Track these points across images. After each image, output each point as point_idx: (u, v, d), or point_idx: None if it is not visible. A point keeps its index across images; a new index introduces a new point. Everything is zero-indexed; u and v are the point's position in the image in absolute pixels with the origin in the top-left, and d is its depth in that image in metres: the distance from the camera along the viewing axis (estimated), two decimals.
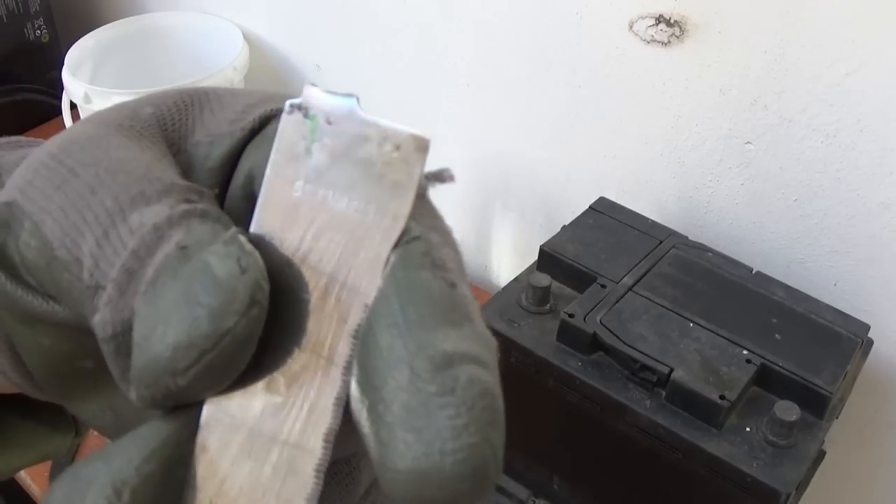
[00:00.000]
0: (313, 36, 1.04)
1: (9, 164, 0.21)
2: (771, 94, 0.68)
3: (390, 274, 0.16)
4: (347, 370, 0.16)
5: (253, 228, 0.18)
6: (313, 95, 0.18)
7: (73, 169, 0.18)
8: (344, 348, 0.16)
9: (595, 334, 0.61)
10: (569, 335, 0.62)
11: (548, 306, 0.66)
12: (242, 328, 0.15)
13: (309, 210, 0.17)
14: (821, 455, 0.60)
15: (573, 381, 0.61)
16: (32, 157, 0.19)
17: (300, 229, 0.17)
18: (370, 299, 0.16)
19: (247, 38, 1.08)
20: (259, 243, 0.17)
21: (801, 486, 0.58)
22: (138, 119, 0.20)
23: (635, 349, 0.60)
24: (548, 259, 0.69)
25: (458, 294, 0.16)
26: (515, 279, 0.69)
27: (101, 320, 0.16)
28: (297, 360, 0.17)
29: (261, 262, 0.16)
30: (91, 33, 1.09)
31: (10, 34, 1.16)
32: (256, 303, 0.15)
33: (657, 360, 0.59)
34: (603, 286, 0.65)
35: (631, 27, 0.73)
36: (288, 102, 0.18)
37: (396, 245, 0.17)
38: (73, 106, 1.03)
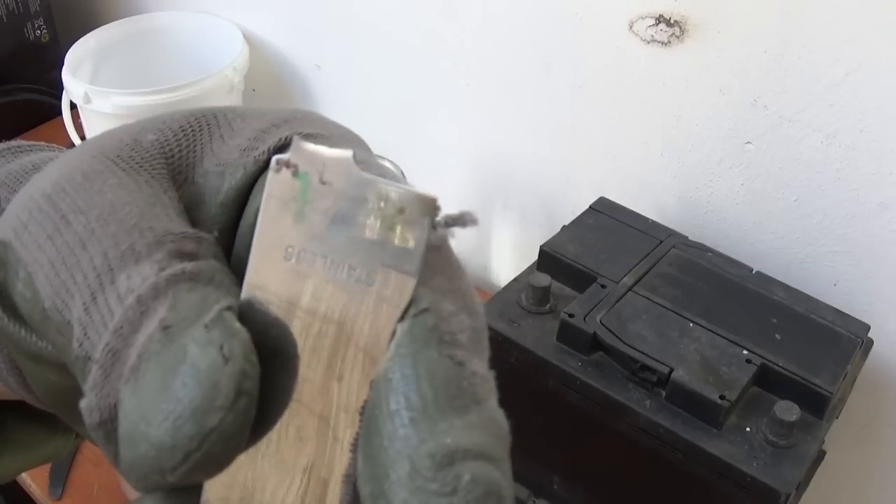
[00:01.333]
0: (313, 36, 1.04)
1: (9, 176, 0.20)
2: (771, 94, 0.68)
3: (395, 352, 0.15)
4: (355, 447, 0.16)
5: (244, 294, 0.16)
6: (304, 151, 0.16)
7: (66, 216, 0.17)
8: (350, 426, 0.16)
9: (595, 334, 0.61)
10: (569, 335, 0.62)
11: (548, 306, 0.66)
12: (229, 424, 0.14)
13: (304, 278, 0.16)
14: (821, 455, 0.60)
15: (573, 381, 0.61)
16: (28, 193, 0.18)
17: (295, 297, 0.16)
18: (375, 375, 0.15)
19: (247, 38, 1.08)
20: (250, 312, 0.16)
21: (801, 486, 0.58)
22: (139, 148, 0.19)
23: (635, 349, 0.60)
24: (548, 259, 0.69)
25: (466, 373, 0.15)
26: (515, 279, 0.69)
27: (87, 406, 0.15)
28: (293, 429, 0.16)
29: (248, 342, 0.14)
30: (91, 33, 1.09)
31: (10, 34, 1.16)
32: (243, 394, 0.14)
33: (657, 360, 0.59)
34: (603, 286, 0.65)
35: (631, 27, 0.73)
36: (274, 159, 0.16)
37: (403, 316, 0.16)
38: (73, 106, 1.03)
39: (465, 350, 0.15)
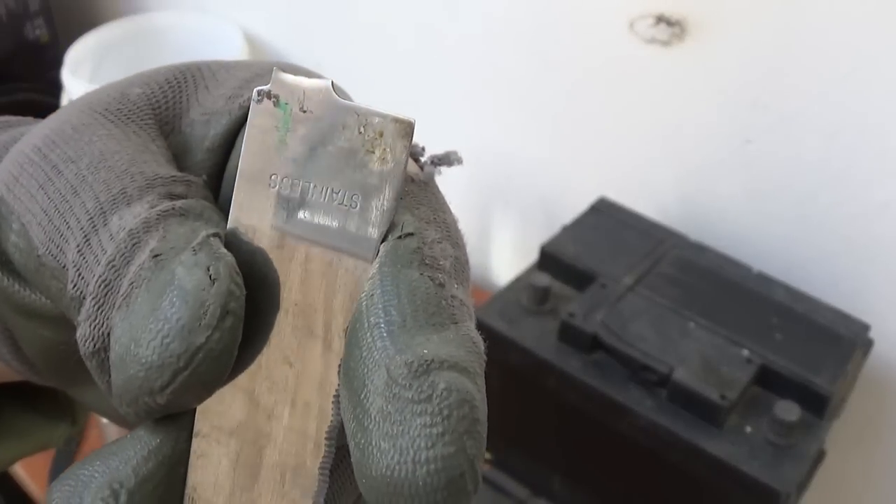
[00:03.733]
0: (313, 36, 1.04)
1: None
2: (771, 94, 0.68)
3: (378, 271, 0.15)
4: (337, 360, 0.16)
5: (230, 224, 0.17)
6: (283, 82, 0.17)
7: (57, 165, 0.17)
8: (338, 347, 0.16)
9: (595, 334, 0.61)
10: (569, 335, 0.62)
11: (548, 306, 0.66)
12: (216, 342, 0.14)
13: (287, 204, 0.17)
14: (821, 455, 0.61)
15: (573, 381, 0.61)
16: (18, 149, 0.18)
17: (280, 223, 0.17)
18: (359, 294, 0.16)
19: (247, 37, 1.08)
20: (235, 241, 0.16)
21: (801, 486, 0.58)
22: (127, 101, 0.19)
23: (636, 349, 0.60)
24: (548, 259, 0.69)
25: (445, 295, 0.15)
26: (515, 279, 0.69)
27: (81, 336, 0.16)
28: (282, 354, 0.16)
29: (233, 265, 0.15)
30: (91, 33, 1.08)
31: (10, 34, 1.16)
32: (229, 313, 0.14)
33: (657, 360, 0.59)
34: (603, 286, 0.65)
35: (631, 27, 0.73)
36: (255, 90, 0.17)
37: (386, 238, 0.16)
38: None
39: (446, 274, 0.16)
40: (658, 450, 0.59)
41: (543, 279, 0.66)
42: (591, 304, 0.63)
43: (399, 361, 0.14)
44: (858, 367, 0.64)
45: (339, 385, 0.16)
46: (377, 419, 0.13)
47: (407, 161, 0.17)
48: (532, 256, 0.70)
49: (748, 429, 0.57)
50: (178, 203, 0.16)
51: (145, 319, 0.14)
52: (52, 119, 0.19)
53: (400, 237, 0.16)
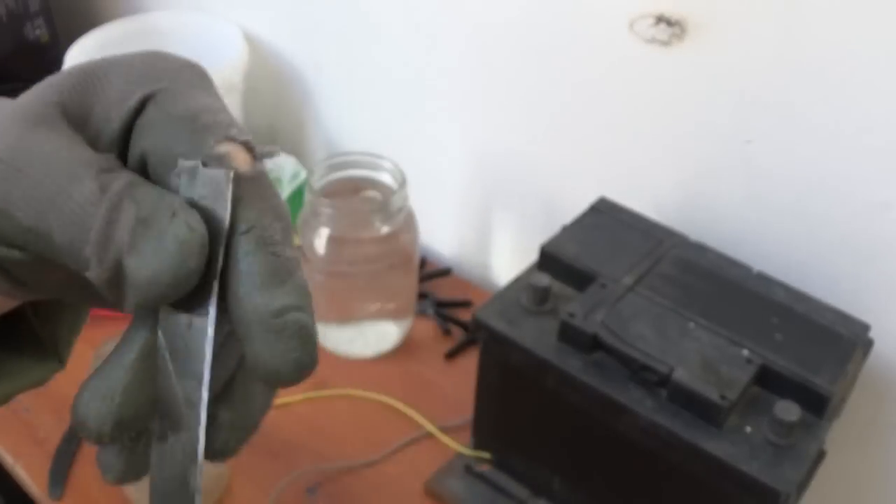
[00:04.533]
0: (313, 36, 1.04)
1: None
2: (771, 95, 0.68)
3: (239, 258, 0.23)
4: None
5: None
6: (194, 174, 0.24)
7: (20, 168, 0.23)
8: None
9: (595, 334, 0.61)
10: (569, 335, 0.62)
11: (548, 306, 0.66)
12: (197, 265, 0.22)
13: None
14: (821, 455, 0.61)
15: (573, 381, 0.61)
16: None
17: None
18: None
19: (247, 38, 1.08)
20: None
21: (801, 486, 0.58)
22: (47, 107, 0.25)
23: (635, 349, 0.60)
24: (548, 259, 0.69)
25: (283, 259, 0.23)
26: (515, 279, 0.69)
27: (96, 276, 0.23)
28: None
29: (200, 219, 0.23)
30: (91, 33, 1.08)
31: (10, 34, 1.16)
32: (204, 247, 0.23)
33: (657, 360, 0.59)
34: (603, 286, 0.65)
35: (631, 27, 0.73)
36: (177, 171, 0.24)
37: (234, 230, 0.23)
38: None
39: (280, 245, 0.23)
40: (658, 450, 0.59)
41: (543, 279, 0.66)
42: (591, 304, 0.63)
43: (267, 312, 0.23)
44: (858, 367, 0.64)
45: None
46: (260, 340, 0.23)
47: (231, 199, 0.23)
48: (532, 256, 0.70)
49: (748, 429, 0.57)
50: (128, 175, 0.23)
51: (155, 257, 0.22)
52: None
53: (245, 232, 0.23)
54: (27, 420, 0.81)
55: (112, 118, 0.24)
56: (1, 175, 0.23)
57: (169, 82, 0.25)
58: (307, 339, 0.24)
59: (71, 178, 0.23)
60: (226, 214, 0.23)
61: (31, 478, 0.76)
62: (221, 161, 0.24)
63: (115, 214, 0.22)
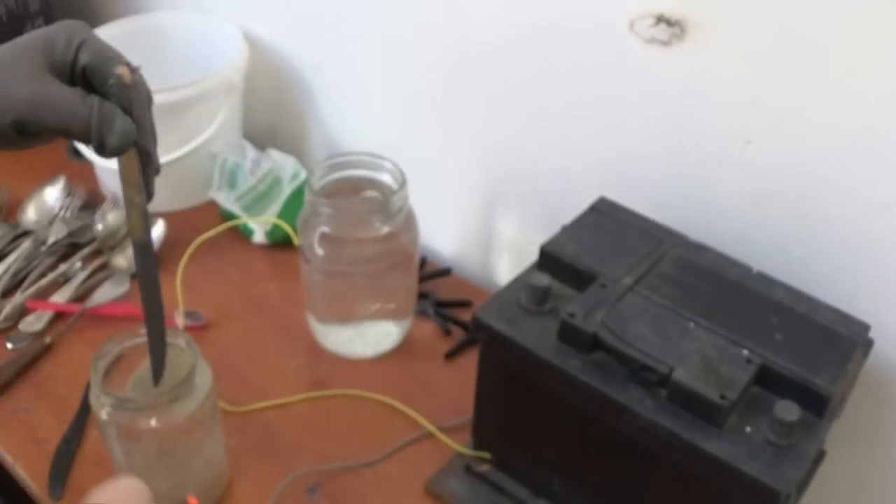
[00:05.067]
0: (313, 36, 1.04)
1: None
2: (771, 94, 0.68)
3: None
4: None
5: None
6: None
7: (40, 102, 0.51)
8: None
9: (595, 334, 0.61)
10: (569, 335, 0.62)
11: (548, 306, 0.66)
12: (132, 133, 0.52)
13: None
14: (821, 455, 0.60)
15: (573, 381, 0.61)
16: None
17: None
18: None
19: (247, 38, 1.08)
20: None
21: (801, 486, 0.58)
22: (40, 67, 0.52)
23: (635, 349, 0.60)
24: (548, 259, 0.69)
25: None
26: (515, 279, 0.69)
27: (94, 142, 0.51)
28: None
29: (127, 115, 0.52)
30: None
31: (10, 34, 1.15)
32: (132, 125, 0.52)
33: (657, 360, 0.59)
34: (603, 286, 0.65)
35: (631, 27, 0.73)
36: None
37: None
38: None
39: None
40: (658, 450, 0.59)
41: (543, 279, 0.66)
42: (591, 304, 0.63)
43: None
44: (858, 367, 0.64)
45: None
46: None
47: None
48: (532, 256, 0.70)
49: (748, 429, 0.57)
50: (97, 98, 0.52)
51: (119, 135, 0.51)
52: None
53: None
54: (27, 420, 0.81)
55: (68, 54, 0.52)
56: (28, 107, 0.50)
57: (85, 35, 0.53)
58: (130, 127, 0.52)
59: (68, 94, 0.50)
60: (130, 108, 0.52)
61: (31, 478, 0.76)
62: (121, 76, 0.51)
63: (98, 115, 0.50)
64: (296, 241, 0.85)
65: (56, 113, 0.49)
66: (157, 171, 0.55)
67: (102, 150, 0.51)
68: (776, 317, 0.64)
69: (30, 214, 1.03)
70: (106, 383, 0.65)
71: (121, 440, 0.66)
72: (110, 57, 0.52)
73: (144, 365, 0.67)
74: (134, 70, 0.52)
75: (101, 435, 0.71)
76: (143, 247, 0.56)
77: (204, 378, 0.67)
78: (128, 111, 0.51)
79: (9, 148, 0.52)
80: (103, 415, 0.65)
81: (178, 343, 0.66)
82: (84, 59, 0.51)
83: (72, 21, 0.53)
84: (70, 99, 0.50)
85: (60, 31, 0.52)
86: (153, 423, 0.65)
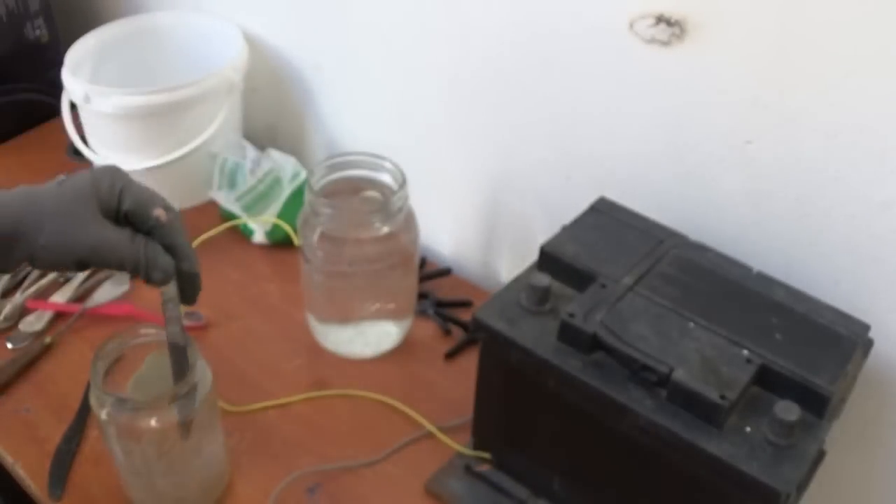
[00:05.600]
0: (313, 36, 1.04)
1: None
2: (771, 94, 0.68)
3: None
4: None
5: None
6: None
7: (96, 248, 0.59)
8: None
9: (595, 334, 0.61)
10: (569, 335, 0.62)
11: (548, 306, 0.66)
12: (172, 269, 0.61)
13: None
14: (821, 455, 0.61)
15: (573, 381, 0.61)
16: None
17: None
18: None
19: (247, 38, 1.08)
20: None
21: (801, 486, 0.58)
22: (89, 208, 0.59)
23: (635, 349, 0.60)
24: (548, 259, 0.69)
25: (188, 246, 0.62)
26: (515, 279, 0.69)
27: (141, 276, 0.60)
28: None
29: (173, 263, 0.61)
30: (91, 33, 1.08)
31: (10, 34, 1.16)
32: (172, 263, 0.61)
33: (657, 360, 0.59)
34: (603, 286, 0.65)
35: (631, 27, 0.73)
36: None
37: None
38: (72, 106, 1.03)
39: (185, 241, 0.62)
40: (658, 450, 0.59)
41: (543, 279, 0.66)
42: (590, 304, 0.63)
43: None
44: (858, 367, 0.64)
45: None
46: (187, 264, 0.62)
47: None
48: (532, 256, 0.70)
49: (748, 429, 0.57)
50: (144, 238, 0.60)
51: (161, 270, 0.60)
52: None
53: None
54: (27, 420, 0.81)
55: (113, 200, 0.59)
56: (91, 250, 0.58)
57: (124, 181, 0.60)
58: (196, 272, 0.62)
59: (120, 235, 0.58)
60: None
61: (31, 478, 0.76)
62: (158, 217, 0.59)
63: (144, 255, 0.58)
64: (296, 241, 0.85)
65: (112, 255, 0.58)
66: (199, 288, 0.63)
67: (148, 282, 0.60)
68: (776, 317, 0.64)
69: None
70: (106, 383, 0.65)
71: (121, 440, 0.66)
72: (148, 200, 0.59)
73: (144, 365, 0.68)
74: (169, 209, 0.60)
75: (101, 435, 0.71)
76: (179, 349, 0.64)
77: (204, 378, 0.67)
78: (168, 246, 0.59)
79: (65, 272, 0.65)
80: (103, 415, 0.65)
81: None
82: (126, 204, 0.59)
83: (110, 167, 0.60)
84: (122, 242, 0.58)
85: (104, 178, 0.59)
86: (153, 423, 0.65)
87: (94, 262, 0.59)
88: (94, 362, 0.65)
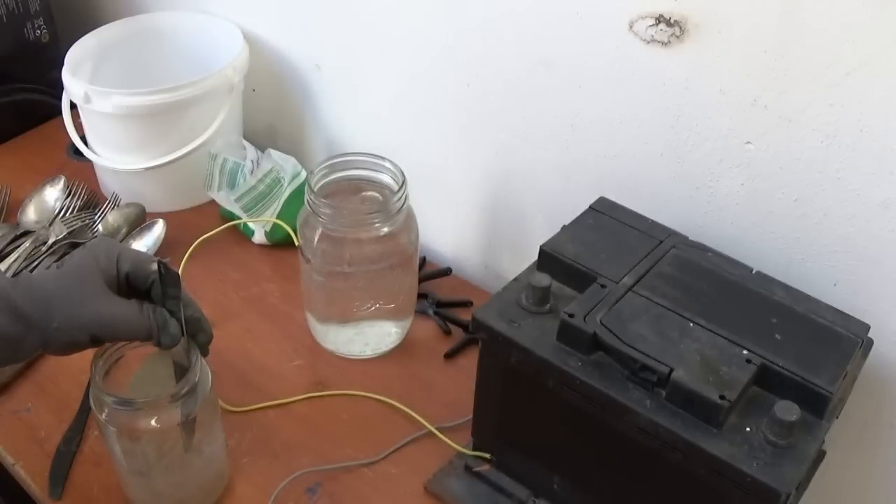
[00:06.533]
0: (313, 36, 1.04)
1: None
2: (771, 94, 0.68)
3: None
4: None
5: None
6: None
7: (107, 323, 0.63)
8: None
9: (595, 334, 0.61)
10: (569, 335, 0.62)
11: (548, 306, 0.66)
12: (179, 334, 0.65)
13: None
14: (821, 455, 0.60)
15: (573, 381, 0.61)
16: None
17: None
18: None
19: (247, 38, 1.08)
20: None
21: (801, 486, 0.58)
22: (97, 281, 0.63)
23: (635, 349, 0.60)
24: (548, 259, 0.69)
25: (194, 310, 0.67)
26: (515, 279, 0.69)
27: (152, 341, 0.63)
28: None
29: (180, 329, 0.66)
30: (91, 33, 1.08)
31: (10, 34, 1.16)
32: (179, 327, 0.65)
33: (657, 360, 0.59)
34: (603, 286, 0.65)
35: (631, 27, 0.73)
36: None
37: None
38: (73, 106, 1.03)
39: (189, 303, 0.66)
40: (658, 450, 0.59)
41: (543, 279, 0.66)
42: (590, 304, 0.63)
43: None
44: (858, 367, 0.64)
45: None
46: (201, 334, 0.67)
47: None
48: (532, 256, 0.70)
49: (748, 429, 0.57)
50: (152, 306, 0.64)
51: (170, 336, 0.64)
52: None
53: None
54: (27, 420, 0.81)
55: (112, 269, 0.62)
56: (102, 326, 0.61)
57: (119, 248, 0.64)
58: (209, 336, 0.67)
59: (129, 309, 0.62)
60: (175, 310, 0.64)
61: (31, 478, 0.76)
62: (154, 273, 0.63)
63: (154, 324, 0.62)
64: (296, 241, 0.85)
65: (125, 329, 0.62)
66: (208, 337, 0.67)
67: (159, 346, 0.63)
68: (776, 317, 0.64)
69: (30, 214, 1.03)
70: (106, 383, 0.65)
71: (121, 440, 0.66)
72: (145, 258, 0.64)
73: (144, 365, 0.68)
74: (162, 263, 0.63)
75: (101, 435, 0.71)
76: (179, 349, 0.66)
77: (204, 378, 0.67)
78: (169, 296, 0.63)
79: (80, 351, 0.63)
80: (103, 415, 0.65)
81: (179, 344, 0.67)
82: (126, 267, 0.62)
83: (102, 239, 0.70)
84: (131, 314, 0.61)
85: (100, 252, 0.62)
86: (153, 423, 0.65)
87: (107, 337, 0.62)
88: (94, 362, 0.65)
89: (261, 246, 1.02)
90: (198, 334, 0.66)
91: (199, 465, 0.70)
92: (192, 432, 0.66)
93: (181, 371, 0.66)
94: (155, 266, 0.63)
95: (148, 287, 0.63)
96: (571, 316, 0.62)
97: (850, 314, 0.65)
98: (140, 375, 0.67)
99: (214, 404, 0.70)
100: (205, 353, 0.67)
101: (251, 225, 1.01)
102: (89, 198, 1.06)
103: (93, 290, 0.61)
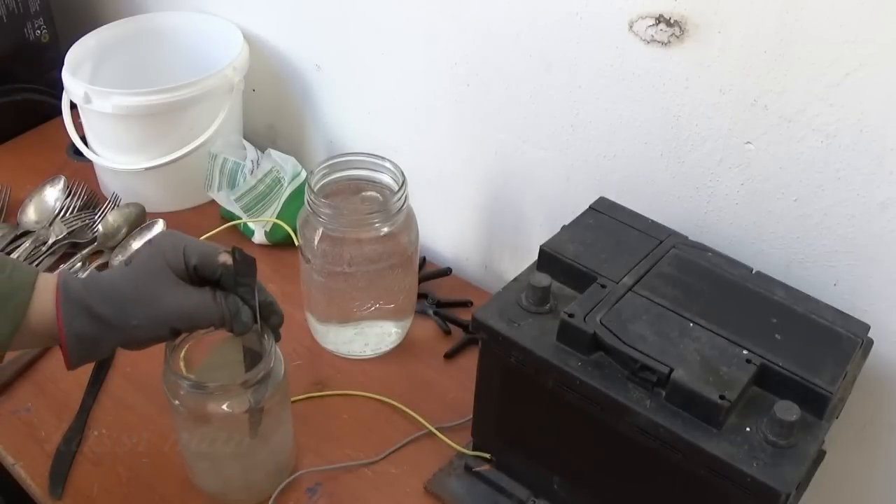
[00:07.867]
0: (313, 36, 1.04)
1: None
2: (771, 94, 0.68)
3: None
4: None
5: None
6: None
7: (183, 314, 0.65)
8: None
9: (595, 334, 0.61)
10: (569, 335, 0.62)
11: (548, 306, 0.66)
12: (252, 321, 0.66)
13: None
14: (821, 455, 0.60)
15: (573, 381, 0.61)
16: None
17: None
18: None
19: (247, 38, 1.08)
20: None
21: (801, 486, 0.58)
22: (167, 273, 0.65)
23: (635, 349, 0.60)
24: (548, 259, 0.69)
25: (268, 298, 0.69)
26: (515, 279, 0.69)
27: (226, 328, 0.65)
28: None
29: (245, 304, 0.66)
30: (91, 33, 1.09)
31: (10, 34, 1.16)
32: (252, 313, 0.67)
33: (657, 360, 0.59)
34: (603, 286, 0.65)
35: (631, 27, 0.73)
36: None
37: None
38: (73, 106, 1.03)
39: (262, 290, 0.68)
40: (658, 450, 0.59)
41: (543, 279, 0.66)
42: (590, 304, 0.63)
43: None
44: (858, 367, 0.64)
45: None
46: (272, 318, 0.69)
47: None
48: (532, 256, 0.70)
49: (748, 429, 0.57)
50: (224, 292, 0.66)
51: (243, 322, 0.65)
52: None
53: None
54: (27, 420, 0.81)
55: (181, 262, 0.63)
56: (181, 317, 0.63)
57: (185, 241, 0.64)
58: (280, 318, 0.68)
59: (203, 298, 0.64)
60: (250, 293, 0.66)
61: (31, 478, 0.76)
62: (224, 263, 0.64)
63: (227, 310, 0.64)
64: (296, 241, 0.85)
65: (202, 317, 0.63)
66: (280, 318, 0.68)
67: (232, 332, 0.64)
68: (776, 317, 0.64)
69: (30, 214, 1.03)
70: (177, 368, 0.66)
71: (189, 424, 0.67)
72: (211, 250, 0.64)
73: (214, 351, 0.68)
74: (229, 252, 0.64)
75: (172, 418, 0.70)
76: (253, 335, 0.68)
77: (278, 365, 0.67)
78: (240, 283, 0.64)
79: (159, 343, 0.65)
80: (176, 399, 0.65)
81: (254, 329, 0.67)
82: (194, 259, 0.63)
83: (167, 232, 0.66)
84: (207, 302, 0.63)
85: (167, 247, 0.63)
86: (224, 407, 0.65)
87: (186, 328, 0.64)
88: (167, 347, 0.66)
89: (261, 246, 1.02)
90: (271, 317, 0.67)
91: (268, 452, 0.70)
92: (258, 420, 0.66)
93: (252, 357, 0.67)
94: (222, 258, 0.63)
95: (217, 279, 0.64)
96: (571, 316, 0.62)
97: (850, 314, 0.65)
98: (210, 362, 0.68)
99: (285, 392, 0.70)
100: (277, 336, 0.68)
101: (251, 225, 1.01)
102: (89, 198, 1.06)
103: (166, 285, 0.62)
